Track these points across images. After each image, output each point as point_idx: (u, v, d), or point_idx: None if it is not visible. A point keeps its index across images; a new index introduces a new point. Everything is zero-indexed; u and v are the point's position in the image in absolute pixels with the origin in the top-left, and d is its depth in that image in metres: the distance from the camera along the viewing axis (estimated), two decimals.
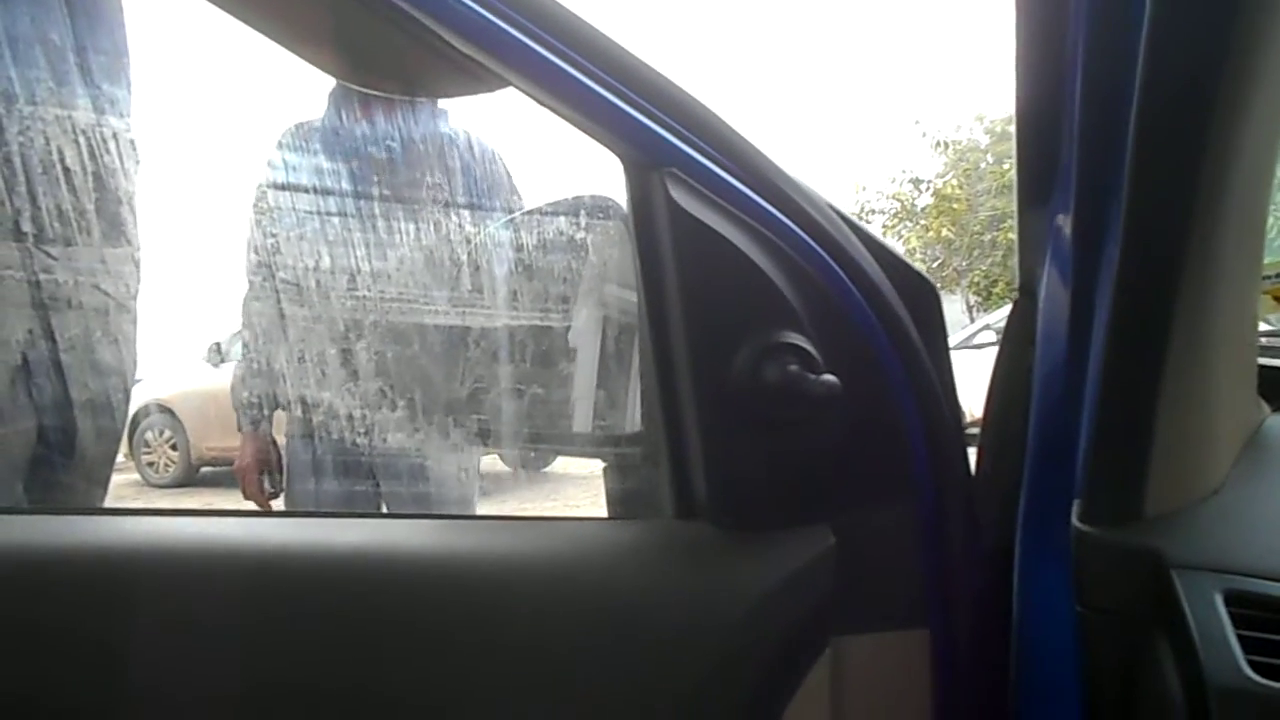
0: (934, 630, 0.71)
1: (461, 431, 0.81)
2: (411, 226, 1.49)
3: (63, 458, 1.08)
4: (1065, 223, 0.69)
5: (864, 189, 16.48)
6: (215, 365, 6.95)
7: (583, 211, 0.82)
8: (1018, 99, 0.70)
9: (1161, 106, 0.53)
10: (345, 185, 1.57)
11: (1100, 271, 0.65)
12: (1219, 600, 0.57)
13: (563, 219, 0.82)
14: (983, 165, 15.95)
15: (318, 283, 1.60)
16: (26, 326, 1.05)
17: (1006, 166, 16.54)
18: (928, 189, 16.31)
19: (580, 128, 0.65)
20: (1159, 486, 0.62)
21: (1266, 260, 0.92)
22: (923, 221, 15.96)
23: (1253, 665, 0.54)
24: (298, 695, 0.62)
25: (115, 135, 1.03)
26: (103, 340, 1.08)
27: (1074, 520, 0.64)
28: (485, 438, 0.84)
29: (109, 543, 0.65)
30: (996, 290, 14.39)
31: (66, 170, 1.00)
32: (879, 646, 0.70)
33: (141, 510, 0.71)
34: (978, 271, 15.15)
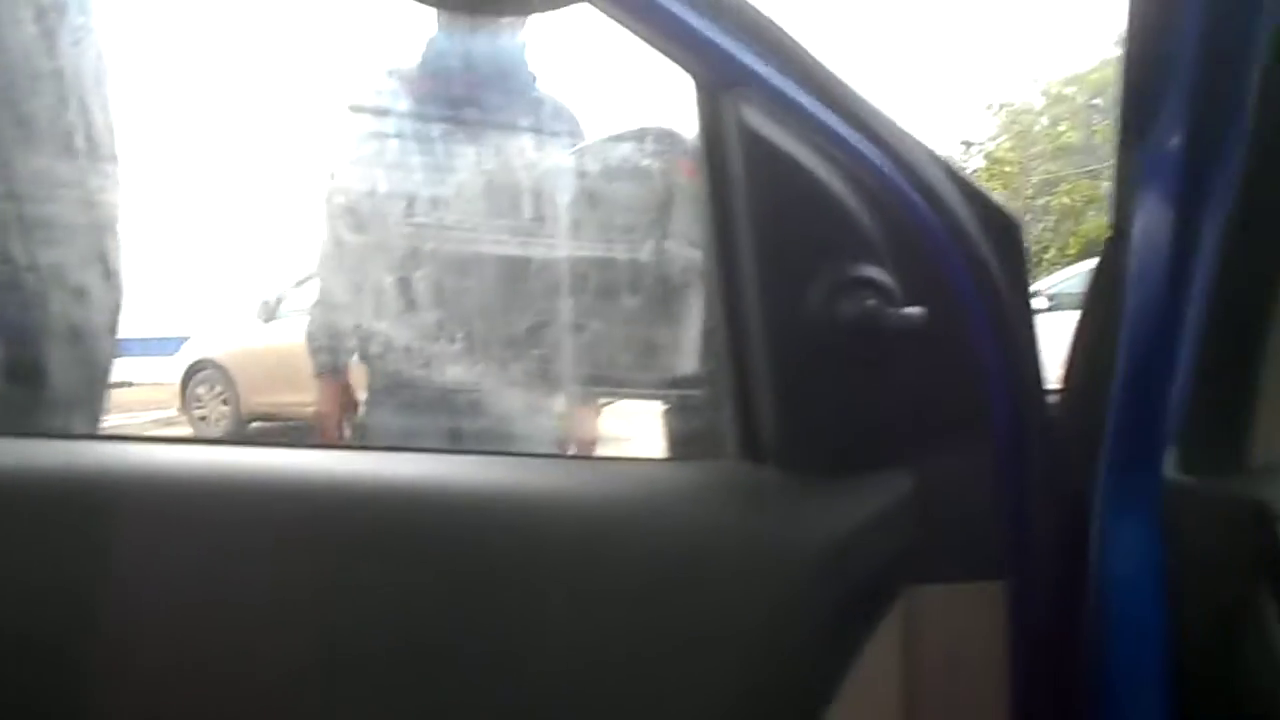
0: (1010, 581, 0.68)
1: (520, 368, 0.79)
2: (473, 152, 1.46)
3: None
4: (1168, 155, 0.64)
5: None
6: (266, 321, 7.02)
7: (646, 141, 0.79)
8: (1130, 16, 0.65)
9: None
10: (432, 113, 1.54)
11: (1206, 205, 0.61)
12: None
13: (626, 147, 0.79)
14: (1036, 128, 15.49)
15: (386, 216, 1.58)
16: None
17: (1061, 129, 16.08)
18: (978, 152, 15.92)
19: (651, 43, 0.62)
20: (1265, 434, 0.58)
21: None
22: None
23: None
24: (339, 634, 0.61)
25: None
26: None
27: (1168, 468, 0.60)
28: (543, 378, 0.83)
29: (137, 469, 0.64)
30: (1048, 256, 14.06)
31: None
32: (954, 597, 0.68)
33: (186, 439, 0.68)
34: (1029, 237, 14.80)
